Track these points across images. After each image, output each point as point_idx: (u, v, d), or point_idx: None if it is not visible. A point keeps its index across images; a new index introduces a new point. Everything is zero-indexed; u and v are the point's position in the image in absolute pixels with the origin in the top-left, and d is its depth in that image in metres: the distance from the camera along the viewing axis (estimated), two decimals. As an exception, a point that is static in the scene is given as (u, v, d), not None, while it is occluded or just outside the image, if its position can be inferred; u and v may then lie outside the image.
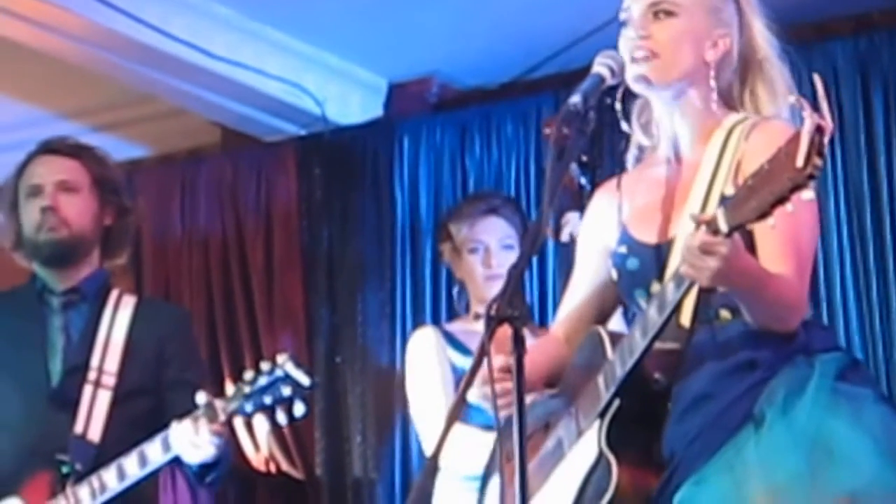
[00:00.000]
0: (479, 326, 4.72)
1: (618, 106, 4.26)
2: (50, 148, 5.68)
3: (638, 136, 4.40)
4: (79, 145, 5.74)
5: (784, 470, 3.91)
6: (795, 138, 3.39)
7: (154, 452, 5.15)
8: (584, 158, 4.53)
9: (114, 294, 5.60)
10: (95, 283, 5.60)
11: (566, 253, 5.36)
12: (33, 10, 6.77)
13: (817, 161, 3.39)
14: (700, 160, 4.22)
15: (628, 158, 4.41)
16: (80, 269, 5.60)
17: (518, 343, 3.75)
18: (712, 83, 4.27)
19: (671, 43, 4.24)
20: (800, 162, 3.41)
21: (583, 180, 4.92)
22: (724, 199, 3.73)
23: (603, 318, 4.46)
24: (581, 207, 5.27)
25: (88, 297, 5.59)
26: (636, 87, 4.23)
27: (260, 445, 7.52)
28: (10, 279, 6.46)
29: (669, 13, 4.24)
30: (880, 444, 3.93)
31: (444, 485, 5.87)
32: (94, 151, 5.74)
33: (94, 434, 5.40)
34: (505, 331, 3.77)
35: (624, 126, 4.39)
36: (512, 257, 5.95)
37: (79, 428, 5.44)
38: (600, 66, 4.22)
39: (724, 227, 3.62)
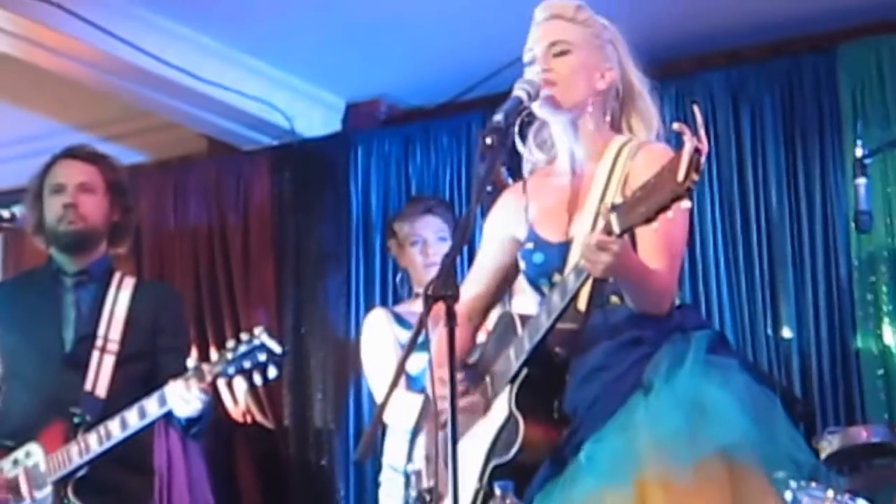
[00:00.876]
0: (420, 306, 4.72)
1: (515, 129, 4.28)
2: (73, 153, 5.81)
3: (534, 152, 4.46)
4: (97, 153, 5.87)
5: (668, 428, 3.92)
6: (677, 157, 3.48)
7: (151, 406, 5.27)
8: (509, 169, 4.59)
9: (117, 276, 5.76)
10: (102, 266, 5.75)
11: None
12: (53, 41, 6.80)
13: (694, 177, 3.48)
14: (594, 173, 4.31)
15: (524, 168, 4.45)
16: (90, 255, 5.73)
17: (450, 317, 3.77)
18: (603, 108, 4.38)
19: (569, 75, 4.29)
20: (680, 177, 3.51)
21: (510, 181, 4.96)
22: (614, 206, 3.75)
23: (497, 300, 4.64)
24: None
25: (96, 277, 5.74)
26: (542, 111, 4.32)
27: (238, 401, 7.63)
28: (29, 262, 6.49)
29: (565, 52, 4.29)
30: (745, 405, 3.97)
31: (389, 437, 5.93)
32: (109, 160, 5.86)
33: (101, 391, 5.54)
34: (440, 307, 3.79)
35: (519, 146, 4.43)
36: (445, 247, 5.99)
37: (88, 386, 5.56)
38: (519, 90, 4.25)
39: (616, 228, 3.70)
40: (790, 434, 4.10)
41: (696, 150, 3.45)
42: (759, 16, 7.17)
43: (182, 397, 5.21)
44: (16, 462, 5.45)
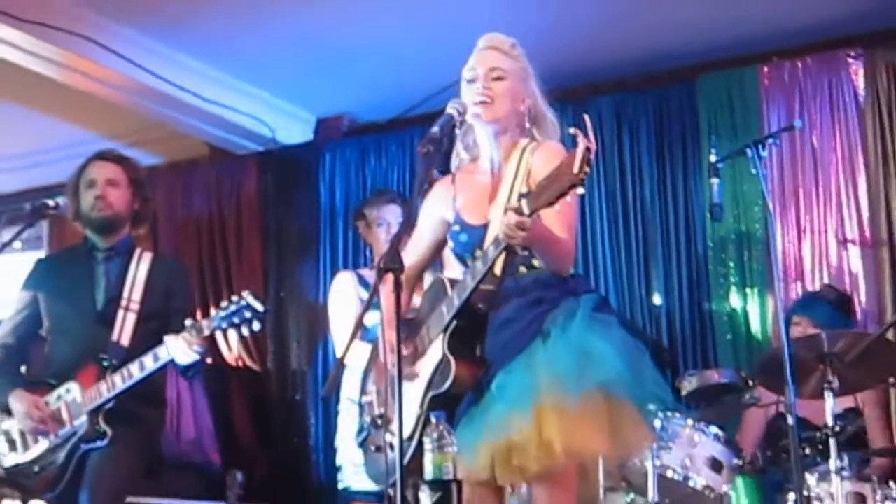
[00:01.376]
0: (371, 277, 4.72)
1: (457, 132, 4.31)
2: (102, 156, 5.78)
3: (461, 152, 4.45)
4: (121, 156, 5.84)
5: (561, 367, 4.00)
6: (573, 154, 3.58)
7: (162, 353, 5.24)
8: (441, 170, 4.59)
9: (137, 251, 5.71)
10: (126, 244, 5.70)
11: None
12: (89, 69, 6.80)
13: (587, 169, 3.58)
14: (506, 171, 4.33)
15: (452, 164, 4.44)
16: (117, 235, 5.68)
17: (397, 285, 3.82)
18: (519, 125, 4.38)
19: (501, 95, 4.29)
20: (576, 170, 3.60)
21: (440, 177, 4.96)
22: (522, 194, 3.82)
23: (428, 267, 4.65)
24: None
25: (121, 253, 5.69)
26: (475, 121, 4.32)
27: (232, 349, 7.62)
28: (69, 240, 6.48)
29: (501, 78, 4.28)
30: (621, 352, 4.07)
31: (347, 376, 5.92)
32: (131, 160, 5.83)
33: (125, 341, 5.51)
34: (389, 276, 3.82)
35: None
36: None
37: (115, 337, 5.52)
38: (451, 109, 4.31)
39: (526, 211, 3.74)
40: (655, 377, 4.20)
41: (587, 149, 3.55)
42: (636, 53, 7.18)
43: (181, 349, 5.25)
44: (59, 397, 5.43)
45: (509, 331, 4.18)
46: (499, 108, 4.29)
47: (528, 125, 4.37)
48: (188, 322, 5.29)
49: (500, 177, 4.34)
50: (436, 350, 4.23)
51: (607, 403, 3.95)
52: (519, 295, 4.20)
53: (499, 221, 3.97)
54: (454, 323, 4.18)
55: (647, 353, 4.19)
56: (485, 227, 4.24)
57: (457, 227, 4.36)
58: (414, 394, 4.25)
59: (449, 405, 4.21)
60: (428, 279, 4.62)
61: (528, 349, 4.09)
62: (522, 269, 4.17)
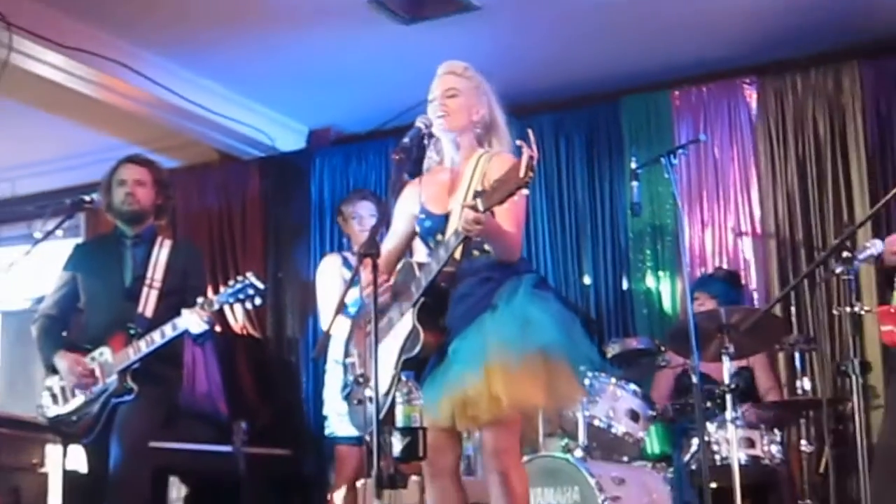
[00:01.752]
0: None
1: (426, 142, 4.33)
2: (132, 159, 5.74)
3: (432, 157, 4.44)
4: (147, 159, 5.79)
5: (506, 334, 4.05)
6: (519, 161, 3.68)
7: (180, 323, 5.28)
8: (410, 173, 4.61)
9: (159, 239, 5.66)
10: (149, 232, 5.65)
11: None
12: (121, 88, 6.78)
13: (531, 174, 3.67)
14: (464, 171, 4.32)
15: (425, 166, 4.43)
16: (142, 225, 5.64)
17: (374, 268, 3.92)
18: (473, 132, 4.37)
19: (456, 109, 4.30)
20: (521, 174, 3.69)
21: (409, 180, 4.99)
22: (477, 193, 3.85)
23: (403, 254, 4.56)
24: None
25: (145, 240, 5.63)
26: (438, 131, 4.33)
27: (238, 319, 7.57)
28: (102, 229, 6.48)
29: (454, 95, 4.30)
30: (557, 321, 4.12)
31: (333, 343, 5.92)
32: (155, 164, 5.81)
33: (149, 313, 5.47)
34: (368, 261, 3.92)
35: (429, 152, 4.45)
36: (373, 221, 5.93)
37: (140, 309, 5.48)
38: (419, 123, 4.34)
39: (481, 208, 3.80)
40: (586, 342, 4.24)
41: (531, 157, 3.64)
42: (572, 79, 7.18)
43: (194, 321, 5.26)
44: (93, 359, 5.42)
45: (464, 304, 4.19)
46: (454, 120, 4.29)
47: (480, 131, 4.36)
48: (200, 299, 5.32)
49: (459, 175, 4.33)
50: (407, 321, 4.22)
51: (545, 364, 4.00)
52: (472, 274, 4.21)
53: (457, 211, 4.04)
54: (422, 299, 4.19)
55: (579, 323, 4.24)
56: (445, 215, 4.26)
57: (422, 216, 4.36)
58: (389, 357, 4.23)
59: (418, 367, 4.20)
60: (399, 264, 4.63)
61: (479, 319, 4.11)
62: (476, 254, 4.17)
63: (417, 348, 4.16)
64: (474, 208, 3.83)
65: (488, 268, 4.22)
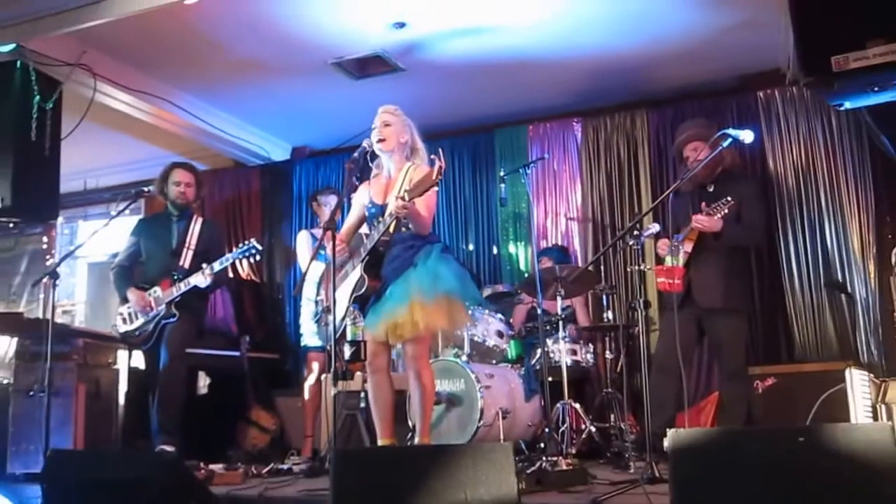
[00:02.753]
0: (321, 232, 4.72)
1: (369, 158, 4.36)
2: (180, 164, 5.67)
3: (375, 168, 4.42)
4: (191, 165, 5.76)
5: (424, 282, 4.11)
6: (433, 169, 3.80)
7: (192, 280, 5.26)
8: (358, 177, 4.60)
9: (194, 217, 5.62)
10: (188, 212, 5.59)
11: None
12: (164, 115, 6.63)
13: (440, 177, 3.80)
14: (396, 178, 4.31)
15: (372, 174, 4.42)
16: (185, 209, 5.54)
17: (333, 237, 3.94)
18: (402, 152, 4.35)
19: (390, 135, 4.30)
20: (434, 177, 3.81)
21: (357, 182, 4.97)
22: (406, 191, 3.92)
23: (356, 230, 4.49)
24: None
25: (185, 217, 5.58)
26: (379, 151, 4.33)
27: (244, 270, 7.47)
28: (156, 209, 6.37)
29: (388, 124, 4.30)
30: (456, 274, 4.20)
31: (306, 286, 5.90)
32: (195, 168, 5.74)
33: (186, 265, 5.46)
34: (329, 233, 3.91)
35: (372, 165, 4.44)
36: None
37: (180, 263, 5.46)
38: (364, 143, 4.37)
39: (407, 199, 3.90)
40: (474, 287, 4.34)
41: (440, 167, 3.75)
42: (462, 116, 7.16)
43: (200, 280, 5.25)
44: (150, 294, 5.38)
45: (395, 262, 4.21)
46: (388, 143, 4.28)
47: (407, 151, 4.33)
48: (204, 265, 5.28)
49: (393, 180, 4.32)
50: (357, 272, 4.28)
51: (448, 302, 4.10)
52: (400, 243, 4.22)
53: (392, 203, 4.05)
54: (367, 257, 4.24)
55: (469, 275, 4.31)
56: (383, 206, 4.24)
57: (369, 205, 4.35)
58: (345, 295, 4.28)
59: (362, 302, 4.28)
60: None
61: (405, 273, 4.15)
62: (404, 229, 4.17)
63: (364, 289, 4.21)
64: (402, 199, 3.90)
65: (411, 238, 4.21)
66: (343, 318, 4.22)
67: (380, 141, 4.29)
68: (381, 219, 4.22)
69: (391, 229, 4.16)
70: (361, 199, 4.44)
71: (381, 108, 4.40)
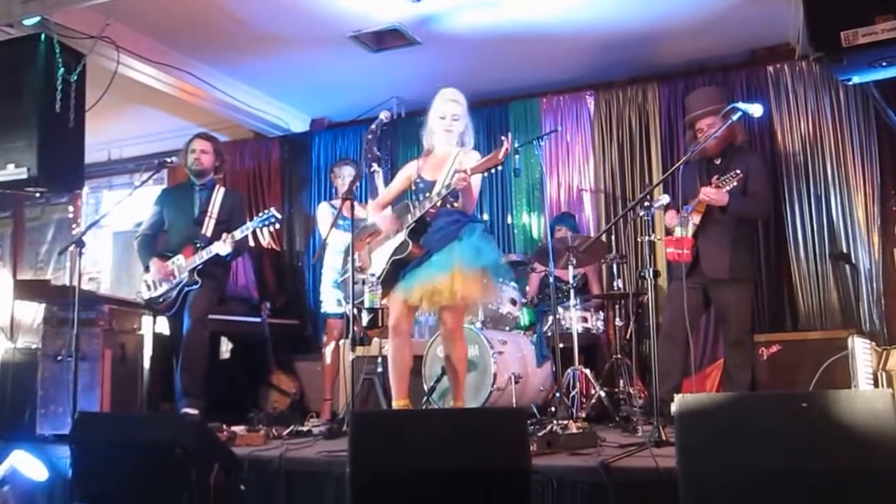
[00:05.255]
0: (340, 202, 4.72)
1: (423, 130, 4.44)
2: (200, 135, 5.75)
3: (426, 143, 4.45)
4: (210, 135, 5.81)
5: (465, 255, 4.21)
6: (499, 150, 3.90)
7: (215, 248, 5.25)
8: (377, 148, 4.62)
9: (216, 187, 5.65)
10: (210, 183, 5.63)
11: (372, 179, 5.40)
12: (186, 87, 6.61)
13: (504, 158, 3.89)
14: (447, 159, 4.37)
15: (424, 147, 4.44)
16: (205, 177, 5.65)
17: (352, 207, 3.90)
18: (460, 139, 4.42)
19: (459, 129, 4.39)
20: (501, 157, 3.90)
21: (378, 153, 4.99)
22: (469, 167, 4.02)
23: (396, 198, 4.55)
24: (377, 163, 5.36)
25: (207, 187, 5.61)
26: (441, 134, 4.38)
27: (265, 238, 7.50)
28: (179, 179, 6.39)
29: (457, 119, 4.37)
30: (493, 252, 4.38)
31: (327, 254, 5.93)
32: (215, 138, 5.78)
33: (208, 234, 5.51)
34: (347, 202, 3.95)
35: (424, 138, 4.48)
36: (351, 179, 5.89)
37: (203, 231, 5.51)
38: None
39: (469, 173, 4.00)
40: (506, 268, 4.66)
41: (506, 149, 3.86)
42: (477, 90, 7.04)
43: (221, 248, 5.27)
44: (173, 262, 5.42)
45: (441, 233, 4.28)
46: (454, 134, 4.35)
47: (463, 138, 4.40)
48: (225, 234, 5.28)
49: (443, 160, 4.37)
50: (401, 236, 4.32)
51: (484, 276, 4.22)
52: (447, 216, 4.29)
53: (440, 181, 4.13)
54: (413, 224, 4.29)
55: (500, 254, 4.42)
56: (433, 182, 4.32)
57: (417, 179, 4.41)
58: (383, 256, 4.36)
59: (401, 266, 4.32)
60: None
61: (450, 245, 4.23)
62: (449, 205, 4.23)
63: (405, 253, 4.28)
64: (465, 171, 3.97)
65: (457, 213, 4.28)
66: (380, 277, 4.27)
67: (447, 131, 4.35)
68: (428, 194, 4.28)
69: (438, 203, 4.22)
70: (409, 171, 4.49)
71: (450, 95, 4.43)
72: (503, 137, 3.87)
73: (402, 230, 4.32)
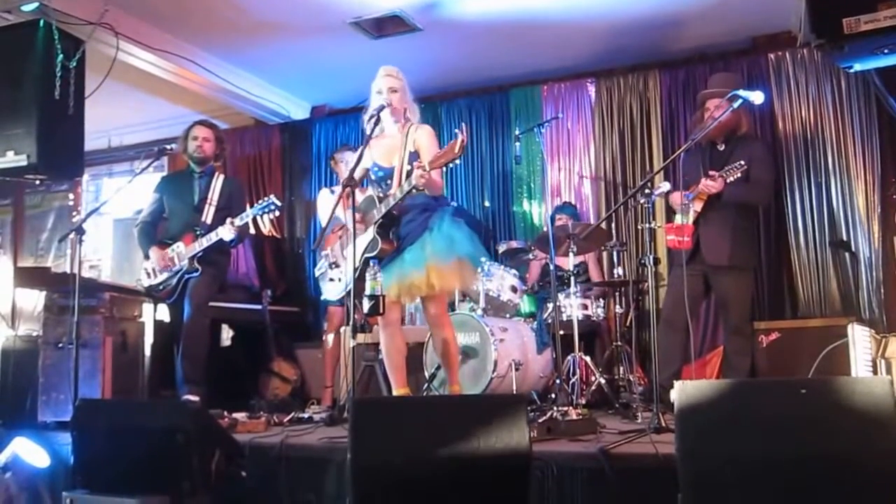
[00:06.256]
0: (340, 188, 4.76)
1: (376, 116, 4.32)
2: (200, 122, 5.71)
3: (378, 128, 4.37)
4: (211, 123, 5.78)
5: (439, 246, 4.20)
6: (455, 143, 3.81)
7: (220, 232, 5.22)
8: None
9: (216, 174, 5.61)
10: (210, 170, 5.60)
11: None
12: (186, 74, 6.59)
13: (461, 152, 3.81)
14: (400, 140, 4.33)
15: (374, 133, 4.34)
16: (205, 165, 5.60)
17: (353, 195, 3.94)
18: (405, 114, 4.36)
19: (398, 101, 4.33)
20: (457, 151, 3.80)
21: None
22: (412, 155, 4.12)
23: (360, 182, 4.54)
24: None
25: (207, 174, 5.58)
26: (384, 115, 4.34)
27: (265, 225, 7.48)
28: (178, 167, 6.38)
29: (395, 91, 4.32)
30: (467, 237, 4.28)
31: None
32: (216, 125, 5.76)
33: (208, 221, 5.49)
34: (348, 189, 3.91)
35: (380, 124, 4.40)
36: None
37: (203, 218, 5.49)
38: (382, 102, 4.31)
39: (427, 168, 3.92)
40: (481, 247, 4.39)
41: (462, 142, 3.77)
42: (478, 76, 7.14)
43: (226, 233, 5.25)
44: (173, 249, 5.42)
45: (411, 226, 4.27)
46: (397, 108, 4.30)
47: (408, 113, 4.36)
48: (229, 219, 5.25)
49: (397, 143, 4.32)
50: (370, 233, 4.30)
51: (459, 265, 4.19)
52: (414, 208, 4.27)
53: (414, 175, 3.97)
54: (381, 220, 4.26)
55: (477, 236, 4.35)
56: (391, 168, 4.29)
57: (375, 168, 4.39)
58: (357, 253, 4.27)
59: (380, 260, 4.25)
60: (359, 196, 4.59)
61: (422, 237, 4.22)
62: (415, 191, 4.11)
63: (376, 251, 4.24)
64: (423, 168, 3.91)
65: (425, 202, 4.26)
66: (353, 275, 4.25)
67: (388, 106, 4.28)
68: (389, 182, 4.29)
69: (404, 193, 4.15)
70: (367, 160, 4.43)
71: (384, 70, 4.39)
72: (457, 130, 3.83)
73: (370, 226, 4.30)
